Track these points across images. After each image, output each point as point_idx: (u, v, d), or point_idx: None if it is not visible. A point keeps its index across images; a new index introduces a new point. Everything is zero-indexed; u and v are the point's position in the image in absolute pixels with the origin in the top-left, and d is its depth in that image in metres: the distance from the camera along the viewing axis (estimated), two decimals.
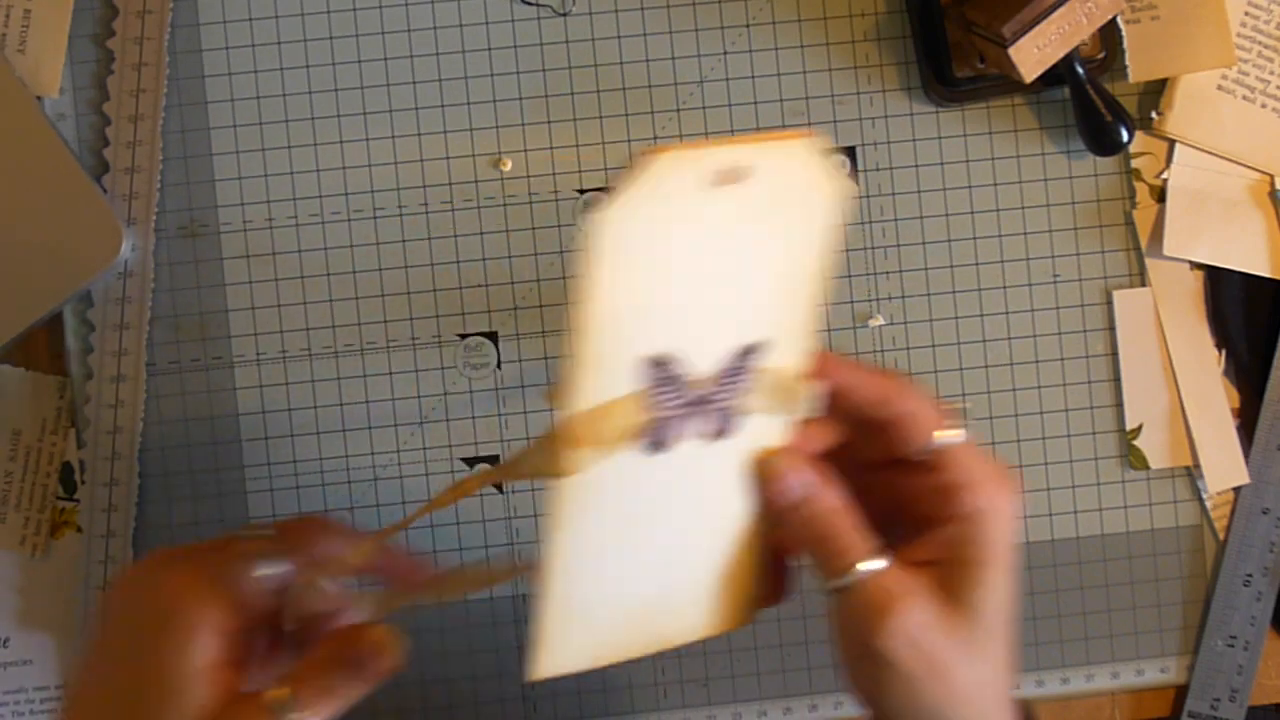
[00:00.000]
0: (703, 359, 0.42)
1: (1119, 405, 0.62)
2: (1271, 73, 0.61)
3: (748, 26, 0.61)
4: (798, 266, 0.42)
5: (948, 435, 0.44)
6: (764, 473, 0.44)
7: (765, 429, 0.44)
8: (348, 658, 0.45)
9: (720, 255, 0.41)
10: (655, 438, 0.42)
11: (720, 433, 0.43)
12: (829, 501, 0.44)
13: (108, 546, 0.60)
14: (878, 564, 0.43)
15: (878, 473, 0.46)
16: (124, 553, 0.60)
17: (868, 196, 0.61)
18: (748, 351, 0.42)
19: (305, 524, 0.48)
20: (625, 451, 0.42)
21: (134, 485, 0.60)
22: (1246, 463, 0.62)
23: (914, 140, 0.61)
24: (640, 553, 0.44)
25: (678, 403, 0.42)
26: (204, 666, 0.43)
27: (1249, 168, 0.61)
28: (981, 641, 0.43)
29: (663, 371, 0.41)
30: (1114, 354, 0.62)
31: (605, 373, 0.41)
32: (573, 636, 0.44)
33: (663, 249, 0.40)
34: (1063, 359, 0.62)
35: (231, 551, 0.46)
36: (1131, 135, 0.58)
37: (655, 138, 0.61)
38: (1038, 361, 0.62)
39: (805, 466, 0.45)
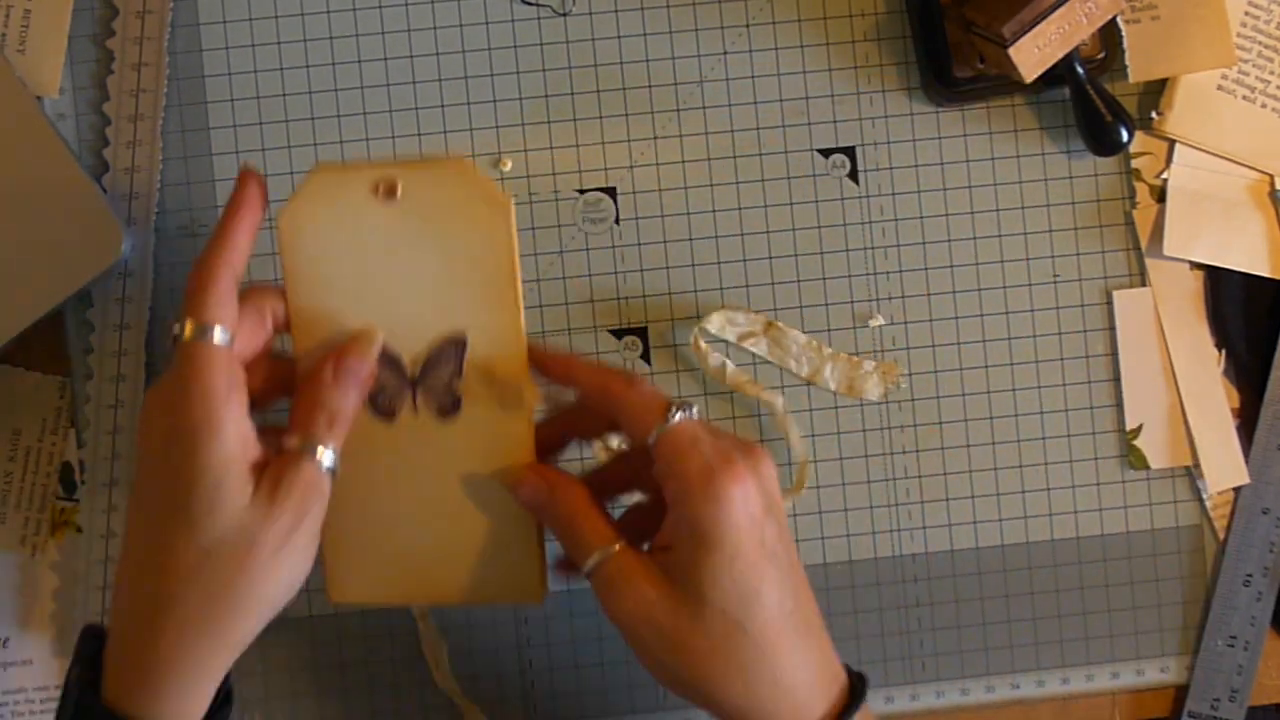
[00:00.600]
0: (408, 344, 0.51)
1: (1119, 405, 0.62)
2: (1271, 73, 0.61)
3: (748, 26, 0.61)
4: (481, 273, 0.50)
5: (665, 425, 0.48)
6: (508, 480, 0.51)
7: (497, 416, 0.51)
8: (330, 379, 0.49)
9: (403, 258, 0.50)
10: (380, 405, 0.52)
11: (445, 410, 0.51)
12: (566, 501, 0.50)
13: (107, 546, 0.60)
14: (610, 550, 0.49)
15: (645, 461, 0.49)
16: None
17: (868, 196, 0.61)
18: (450, 343, 0.51)
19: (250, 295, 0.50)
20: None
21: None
22: (1246, 463, 0.62)
23: (914, 140, 0.61)
24: (403, 506, 0.52)
25: (392, 378, 0.51)
26: (233, 452, 0.47)
27: (1249, 168, 0.61)
28: (711, 620, 0.47)
29: None
30: (1114, 354, 0.62)
31: (320, 345, 0.51)
32: (360, 571, 0.53)
33: (347, 246, 0.50)
34: (1063, 359, 0.62)
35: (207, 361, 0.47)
36: (1131, 135, 0.58)
37: (655, 137, 0.61)
38: (1038, 361, 0.62)
39: (542, 471, 0.50)
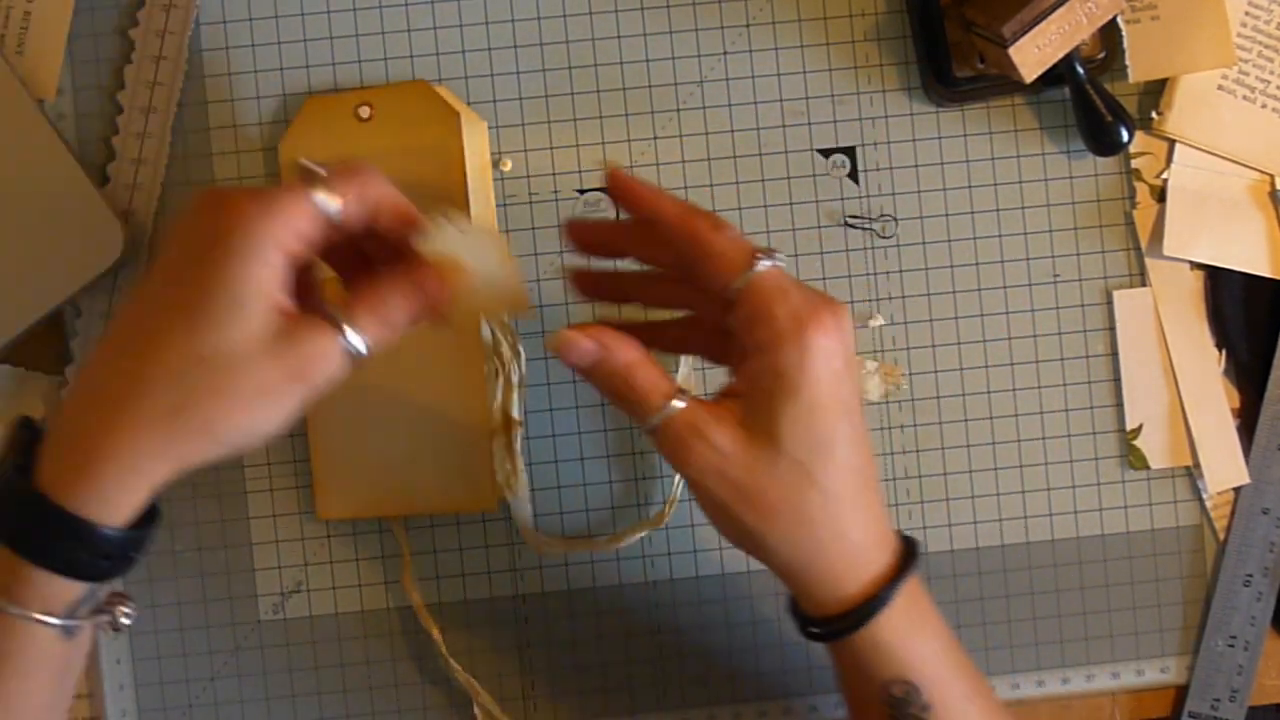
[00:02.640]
0: None
1: (1119, 405, 0.62)
2: (1272, 73, 0.61)
3: (748, 26, 0.61)
4: (436, 180, 0.57)
5: (753, 271, 0.46)
6: (557, 344, 0.48)
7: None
8: (400, 282, 0.47)
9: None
10: None
11: None
12: (622, 356, 0.48)
13: None
14: (678, 404, 0.47)
15: (716, 309, 0.48)
16: None
17: (868, 196, 0.61)
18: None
19: (354, 167, 0.47)
20: None
21: None
22: (1246, 463, 0.62)
23: (914, 140, 0.61)
24: (379, 418, 0.58)
25: None
26: (267, 282, 0.44)
27: (1249, 168, 0.61)
28: (785, 469, 0.47)
29: None
30: (1114, 354, 0.62)
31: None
32: (342, 485, 0.59)
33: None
34: (1063, 359, 0.62)
35: (287, 186, 0.46)
36: (1131, 135, 0.58)
37: (655, 138, 0.61)
38: (1038, 361, 0.62)
39: (590, 331, 0.48)
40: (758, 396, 0.47)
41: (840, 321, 0.47)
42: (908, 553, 0.50)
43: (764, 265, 0.47)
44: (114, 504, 0.45)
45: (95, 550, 0.45)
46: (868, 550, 0.49)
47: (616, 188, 0.50)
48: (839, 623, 0.49)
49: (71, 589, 0.45)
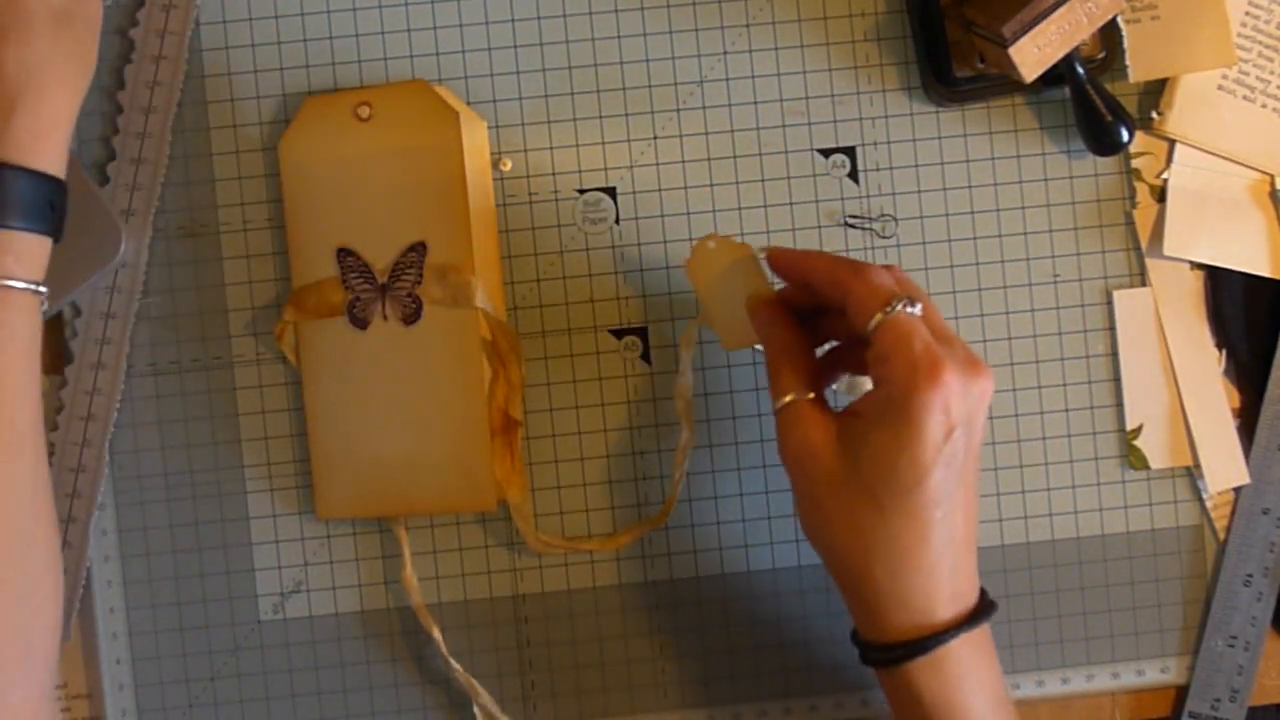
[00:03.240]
0: (380, 254, 0.58)
1: (1119, 405, 0.62)
2: (1272, 73, 0.61)
3: (748, 26, 0.61)
4: (436, 181, 0.57)
5: (886, 314, 0.49)
6: (751, 304, 0.55)
7: (452, 315, 0.57)
8: None
9: (377, 173, 0.58)
10: (356, 314, 0.58)
11: (409, 317, 0.58)
12: (781, 340, 0.53)
13: (66, 532, 0.60)
14: (796, 398, 0.52)
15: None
16: (81, 539, 0.60)
17: (868, 196, 0.61)
18: (412, 250, 0.57)
19: None
20: (335, 322, 0.58)
21: (101, 474, 0.60)
22: (1247, 463, 0.62)
23: (914, 140, 0.61)
24: (378, 417, 0.58)
25: (366, 286, 0.58)
26: None
27: (1249, 168, 0.61)
28: (855, 490, 0.50)
29: (350, 261, 0.58)
30: (1114, 354, 0.62)
31: (310, 260, 0.59)
32: (341, 485, 0.59)
33: (333, 166, 0.58)
34: (1063, 359, 0.62)
35: None
36: (1131, 135, 0.58)
37: (655, 137, 0.61)
38: (1038, 361, 0.62)
39: (775, 310, 0.54)
40: (863, 420, 0.50)
41: (966, 379, 0.49)
42: (979, 610, 0.52)
43: (896, 309, 0.49)
44: (63, 155, 0.52)
45: (56, 201, 0.52)
46: (929, 597, 0.50)
47: (777, 264, 0.54)
48: (881, 652, 0.51)
49: (46, 245, 0.52)
